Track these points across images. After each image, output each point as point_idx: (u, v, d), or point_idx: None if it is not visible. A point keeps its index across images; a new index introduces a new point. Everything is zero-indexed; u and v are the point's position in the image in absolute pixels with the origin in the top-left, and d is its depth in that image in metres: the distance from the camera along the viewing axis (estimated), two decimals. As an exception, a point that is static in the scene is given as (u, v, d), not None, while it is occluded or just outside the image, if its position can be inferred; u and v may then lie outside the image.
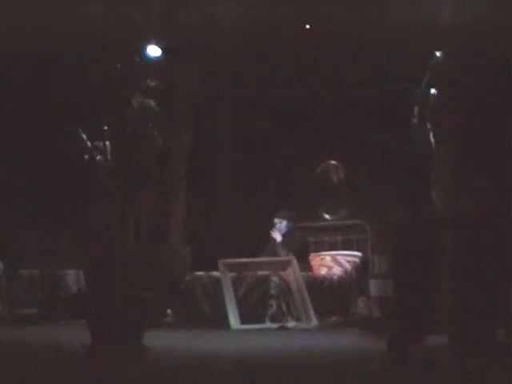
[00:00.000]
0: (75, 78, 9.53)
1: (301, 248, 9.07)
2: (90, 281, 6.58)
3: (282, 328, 8.00)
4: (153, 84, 7.62)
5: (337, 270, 9.17)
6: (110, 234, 6.71)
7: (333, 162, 10.49)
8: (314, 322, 8.14)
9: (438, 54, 6.26)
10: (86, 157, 7.88)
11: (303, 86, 10.02)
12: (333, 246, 9.87)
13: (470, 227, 5.69)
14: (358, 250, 9.65)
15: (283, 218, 9.17)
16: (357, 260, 9.43)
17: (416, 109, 6.13)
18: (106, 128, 7.93)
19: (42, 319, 8.56)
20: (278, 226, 9.14)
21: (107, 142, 8.07)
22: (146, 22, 8.96)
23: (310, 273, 8.94)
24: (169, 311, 8.65)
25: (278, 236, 9.09)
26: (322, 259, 9.43)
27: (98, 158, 7.82)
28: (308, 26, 9.26)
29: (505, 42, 7.17)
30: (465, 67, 6.97)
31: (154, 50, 9.22)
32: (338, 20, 8.77)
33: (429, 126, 6.25)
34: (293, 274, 8.45)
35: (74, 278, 9.06)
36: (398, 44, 8.70)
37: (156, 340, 6.12)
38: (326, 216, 10.42)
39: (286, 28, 9.02)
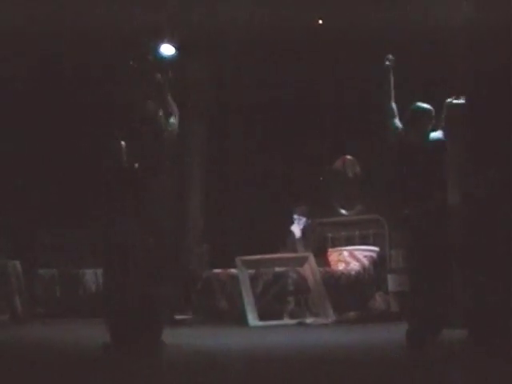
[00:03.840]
0: (89, 78, 9.59)
1: (319, 244, 9.08)
2: (109, 279, 6.61)
3: (301, 324, 8.00)
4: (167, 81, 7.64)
5: (354, 265, 9.14)
6: (128, 233, 6.74)
7: (349, 157, 10.47)
8: (332, 317, 8.14)
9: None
10: (103, 157, 7.89)
11: (317, 81, 10.00)
12: (350, 241, 9.84)
13: (485, 220, 5.67)
14: (375, 245, 9.61)
15: (302, 214, 9.16)
16: (374, 255, 9.40)
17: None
18: (120, 126, 7.96)
19: (61, 318, 8.60)
20: (297, 221, 9.13)
21: (122, 142, 8.11)
22: (160, 21, 8.98)
23: (327, 268, 8.93)
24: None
25: (297, 232, 9.09)
26: (340, 254, 9.40)
27: (115, 157, 7.85)
28: (321, 22, 9.25)
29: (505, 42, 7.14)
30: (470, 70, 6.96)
31: (167, 49, 9.25)
32: (352, 15, 8.76)
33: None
34: (310, 269, 8.45)
35: (92, 277, 9.10)
36: (412, 40, 8.68)
37: (174, 337, 6.14)
38: (343, 211, 10.41)
39: (299, 24, 9.00)
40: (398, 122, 6.34)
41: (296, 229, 9.11)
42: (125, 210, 6.71)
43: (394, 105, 6.38)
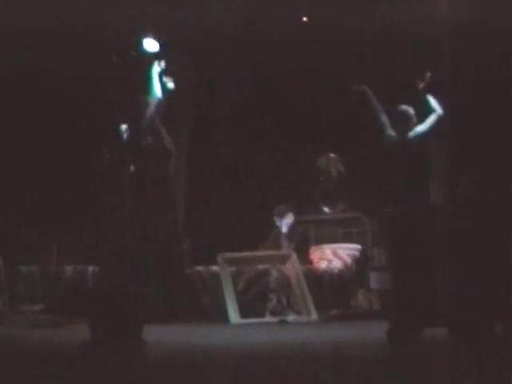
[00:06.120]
0: (72, 74, 9.54)
1: (301, 241, 9.12)
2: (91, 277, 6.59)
3: (282, 322, 8.00)
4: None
5: (337, 263, 9.17)
6: (110, 231, 6.72)
7: (332, 155, 10.48)
8: (314, 315, 8.14)
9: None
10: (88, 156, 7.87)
11: (301, 79, 10.00)
12: (333, 239, 9.87)
13: (469, 218, 5.69)
14: (357, 243, 9.65)
15: (288, 211, 9.21)
16: (357, 253, 9.43)
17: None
18: (105, 125, 7.94)
19: (41, 315, 8.55)
20: (285, 218, 9.18)
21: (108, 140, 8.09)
22: (144, 16, 8.96)
23: (309, 266, 8.95)
24: None
25: (284, 227, 9.12)
26: (322, 252, 9.43)
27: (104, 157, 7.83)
28: (305, 19, 9.25)
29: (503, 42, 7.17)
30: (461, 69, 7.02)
31: (151, 44, 9.21)
32: (336, 14, 8.77)
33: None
34: (292, 267, 8.46)
35: (72, 274, 9.06)
36: (398, 38, 8.70)
37: (156, 334, 6.12)
38: (326, 209, 10.43)
39: (283, 22, 9.00)
40: (391, 131, 6.54)
41: (284, 226, 9.15)
42: (109, 209, 6.70)
43: (384, 117, 6.58)
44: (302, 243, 9.18)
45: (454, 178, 6.48)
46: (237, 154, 10.34)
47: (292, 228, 9.16)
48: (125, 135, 8.11)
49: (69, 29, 8.84)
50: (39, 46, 9.13)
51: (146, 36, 9.22)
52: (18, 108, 9.74)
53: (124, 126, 8.21)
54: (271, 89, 10.12)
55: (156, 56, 9.03)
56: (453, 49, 8.55)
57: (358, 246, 9.55)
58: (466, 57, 8.12)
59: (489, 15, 7.95)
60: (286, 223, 9.15)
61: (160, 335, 6.45)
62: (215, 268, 8.52)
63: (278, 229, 9.18)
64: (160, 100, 8.20)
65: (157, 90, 8.20)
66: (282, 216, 9.18)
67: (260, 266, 8.48)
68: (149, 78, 8.20)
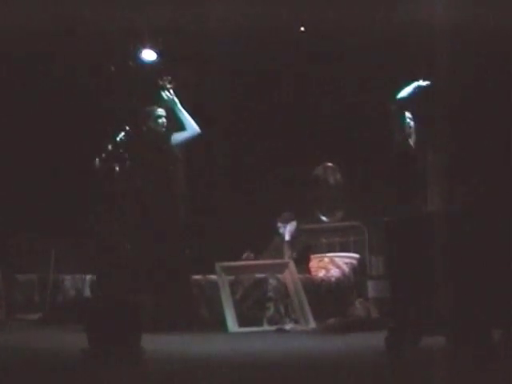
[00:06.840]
0: (68, 83, 9.56)
1: (304, 249, 9.16)
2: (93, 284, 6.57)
3: (280, 330, 8.00)
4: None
5: (334, 272, 9.17)
6: (110, 239, 6.72)
7: (329, 164, 10.50)
8: (312, 323, 8.14)
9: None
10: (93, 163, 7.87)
11: (300, 88, 10.02)
12: (330, 248, 9.88)
13: (467, 227, 5.70)
14: (355, 252, 9.65)
15: (292, 218, 9.26)
16: (354, 261, 9.44)
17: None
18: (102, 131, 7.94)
19: (39, 324, 8.55)
20: (288, 225, 9.21)
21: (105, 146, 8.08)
22: (141, 26, 8.98)
23: (307, 275, 8.96)
24: None
25: (287, 235, 9.16)
26: (320, 261, 9.44)
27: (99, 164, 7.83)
28: (303, 29, 9.28)
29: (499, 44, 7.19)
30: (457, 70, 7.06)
31: (148, 54, 9.25)
32: (334, 22, 8.78)
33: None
34: (290, 276, 8.46)
35: (71, 282, 9.06)
36: (396, 46, 8.72)
37: (154, 343, 6.13)
38: (323, 218, 10.44)
39: (281, 31, 9.02)
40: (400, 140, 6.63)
41: (286, 233, 9.18)
42: (108, 215, 6.70)
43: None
44: (305, 251, 9.20)
45: (452, 183, 6.48)
46: (235, 161, 10.35)
47: (295, 236, 9.20)
48: (125, 145, 8.09)
49: (64, 37, 8.87)
50: (31, 53, 9.15)
51: (143, 46, 9.25)
52: (18, 114, 9.75)
53: (124, 137, 8.16)
54: (270, 97, 10.14)
55: (155, 68, 9.04)
56: (452, 49, 8.53)
57: (356, 255, 9.56)
58: (466, 57, 8.11)
59: (489, 15, 7.95)
60: (289, 230, 9.19)
61: (158, 344, 6.46)
62: (213, 277, 8.52)
63: (281, 236, 9.21)
64: (198, 134, 8.08)
65: (194, 125, 8.09)
66: (286, 222, 9.21)
67: (258, 275, 8.48)
68: (177, 115, 8.05)
